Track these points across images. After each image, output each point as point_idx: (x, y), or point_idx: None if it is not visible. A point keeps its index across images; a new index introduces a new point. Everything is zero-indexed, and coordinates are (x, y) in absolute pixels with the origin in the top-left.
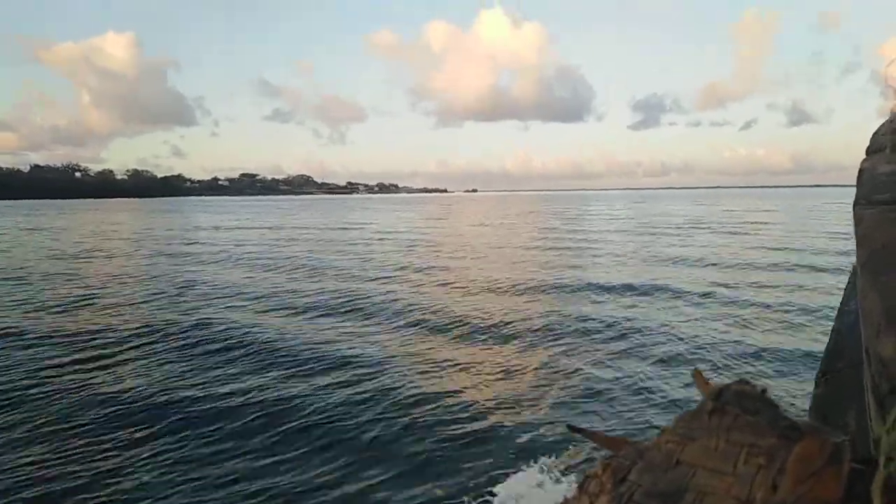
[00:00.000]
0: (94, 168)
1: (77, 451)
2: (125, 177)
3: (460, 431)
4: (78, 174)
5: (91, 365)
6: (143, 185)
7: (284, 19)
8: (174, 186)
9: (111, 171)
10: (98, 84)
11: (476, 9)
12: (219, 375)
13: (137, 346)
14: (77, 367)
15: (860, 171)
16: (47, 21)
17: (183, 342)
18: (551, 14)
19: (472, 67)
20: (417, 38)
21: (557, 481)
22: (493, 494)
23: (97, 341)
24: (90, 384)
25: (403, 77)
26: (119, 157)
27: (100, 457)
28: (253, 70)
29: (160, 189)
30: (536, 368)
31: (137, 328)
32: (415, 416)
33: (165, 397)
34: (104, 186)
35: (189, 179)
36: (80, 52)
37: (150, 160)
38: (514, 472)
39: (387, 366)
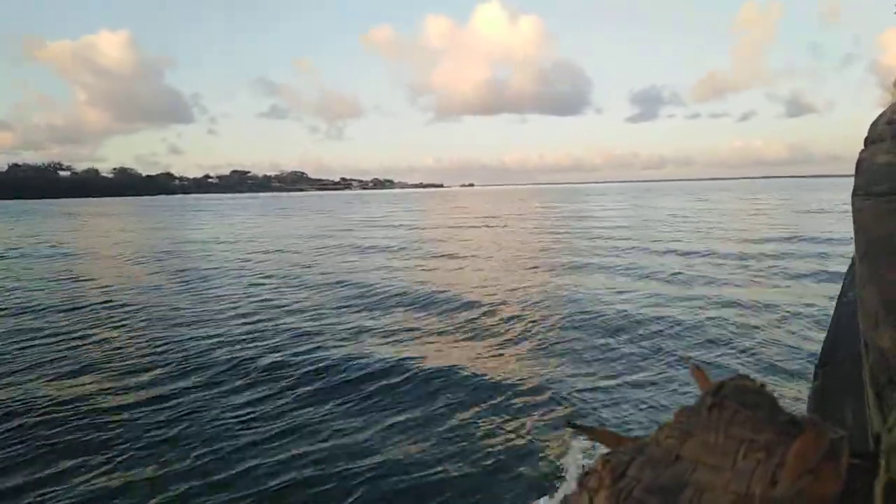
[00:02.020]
0: (81, 166)
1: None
2: (110, 175)
3: (447, 436)
4: (63, 173)
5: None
6: (127, 184)
7: (282, 17)
8: (160, 184)
9: (95, 170)
10: (94, 82)
11: (473, 3)
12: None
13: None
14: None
15: (858, 161)
16: (42, 19)
17: None
18: (549, 7)
19: (470, 62)
20: (415, 34)
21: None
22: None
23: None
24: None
25: (401, 72)
26: (116, 155)
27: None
28: (251, 67)
29: (146, 187)
30: (530, 365)
31: None
32: (401, 417)
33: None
34: (86, 185)
35: (177, 177)
36: (76, 50)
37: (147, 158)
38: (512, 475)
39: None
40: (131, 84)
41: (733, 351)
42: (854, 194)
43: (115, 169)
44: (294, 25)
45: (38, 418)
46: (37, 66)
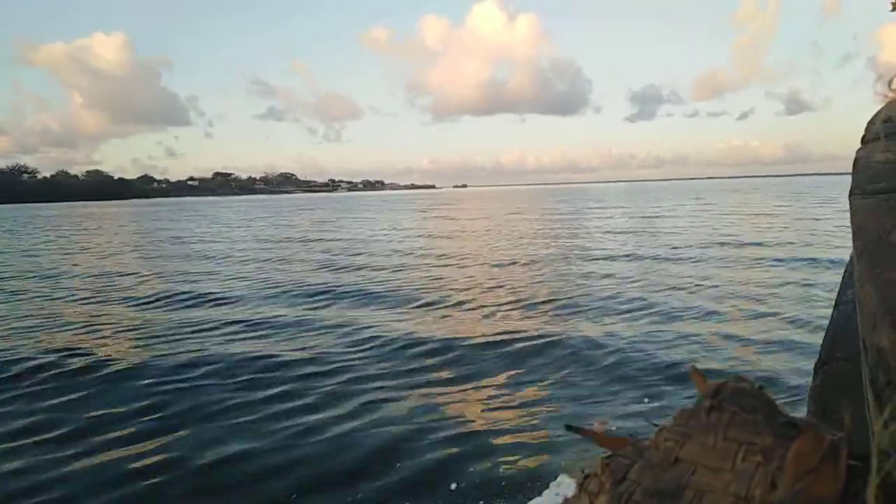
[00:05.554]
0: (73, 170)
1: None
2: (83, 177)
3: (441, 437)
4: (41, 175)
5: None
6: (100, 187)
7: (278, 18)
8: (136, 188)
9: (65, 172)
10: (90, 85)
11: (469, 3)
12: None
13: None
14: None
15: (855, 159)
16: (34, 21)
17: None
18: (547, 5)
19: (468, 62)
20: (412, 34)
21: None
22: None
23: None
24: None
25: (399, 73)
26: (112, 159)
27: None
28: (248, 69)
29: (120, 191)
30: (525, 365)
31: None
32: (394, 422)
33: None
34: (56, 189)
35: (156, 180)
36: (71, 52)
37: (143, 161)
38: (509, 477)
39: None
40: (127, 86)
41: (731, 353)
42: (851, 193)
43: (88, 171)
44: (290, 27)
45: None
46: (30, 69)
